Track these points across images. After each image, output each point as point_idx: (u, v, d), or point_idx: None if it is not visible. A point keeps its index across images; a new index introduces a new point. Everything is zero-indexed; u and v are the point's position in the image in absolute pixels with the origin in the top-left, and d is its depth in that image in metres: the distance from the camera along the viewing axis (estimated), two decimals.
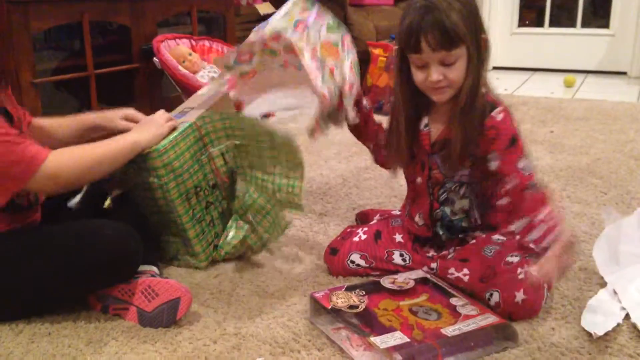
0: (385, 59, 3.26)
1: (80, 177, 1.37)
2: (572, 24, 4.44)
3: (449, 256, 1.45)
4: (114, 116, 1.58)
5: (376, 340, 1.17)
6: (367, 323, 1.23)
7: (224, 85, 1.62)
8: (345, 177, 2.28)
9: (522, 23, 4.61)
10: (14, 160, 1.24)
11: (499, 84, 3.80)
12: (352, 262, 1.48)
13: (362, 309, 1.27)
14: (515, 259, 1.37)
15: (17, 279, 1.30)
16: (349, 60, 1.52)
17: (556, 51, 4.43)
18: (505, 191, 1.33)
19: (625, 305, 1.34)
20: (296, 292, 1.47)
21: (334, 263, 1.51)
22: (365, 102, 1.55)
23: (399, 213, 1.63)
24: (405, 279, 1.38)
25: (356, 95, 1.51)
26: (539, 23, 4.56)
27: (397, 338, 1.17)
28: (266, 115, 3.09)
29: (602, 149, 2.54)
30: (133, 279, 1.36)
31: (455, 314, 1.26)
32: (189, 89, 2.41)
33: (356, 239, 1.52)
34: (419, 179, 1.47)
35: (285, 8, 1.48)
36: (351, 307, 1.28)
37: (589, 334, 1.25)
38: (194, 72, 2.50)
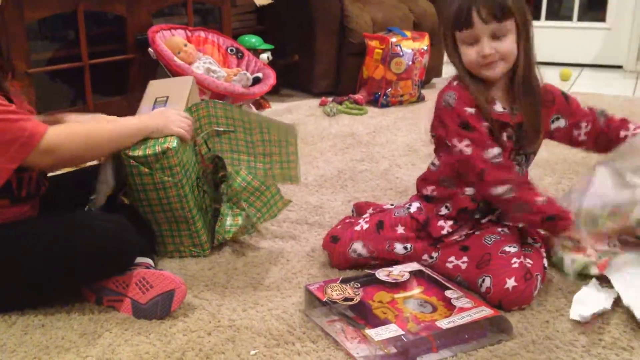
0: (381, 51, 3.26)
1: (78, 153, 1.36)
2: (569, 18, 4.44)
3: (459, 239, 1.44)
4: None
5: (371, 332, 1.17)
6: (362, 315, 1.23)
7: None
8: (341, 170, 2.27)
9: None
10: (12, 137, 1.24)
11: None
12: (354, 251, 1.48)
13: (357, 302, 1.27)
14: (513, 249, 1.38)
15: (11, 271, 1.30)
16: None
17: (552, 44, 4.43)
18: (587, 133, 1.52)
19: (617, 288, 1.35)
20: (291, 284, 1.46)
21: (335, 251, 1.51)
22: None
23: (391, 207, 1.64)
24: (401, 271, 1.38)
25: None
26: (536, 16, 4.55)
27: (391, 331, 1.17)
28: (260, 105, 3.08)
29: None
30: (128, 271, 1.36)
31: (450, 307, 1.26)
32: None
33: (358, 228, 1.52)
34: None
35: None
36: (346, 299, 1.28)
37: (583, 327, 1.26)
38: (189, 63, 2.48)
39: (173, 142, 1.44)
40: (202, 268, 1.54)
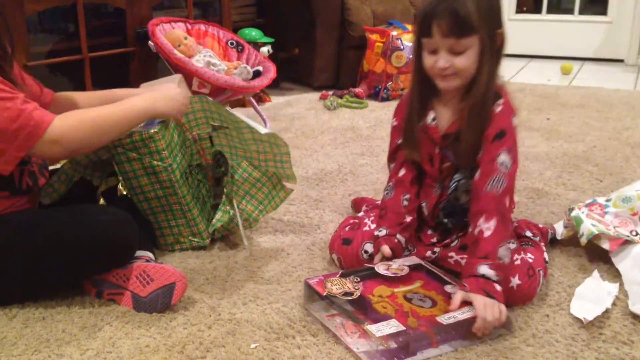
0: (382, 44, 3.25)
1: (87, 141, 1.34)
2: (570, 11, 4.43)
3: (452, 244, 1.45)
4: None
5: (371, 328, 1.16)
6: (362, 310, 1.23)
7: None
8: (341, 163, 2.27)
9: (519, 9, 4.58)
10: (19, 125, 1.23)
11: None
12: (366, 252, 1.47)
13: (357, 296, 1.27)
14: (512, 246, 1.37)
15: (11, 263, 1.30)
16: None
17: (553, 38, 4.42)
18: (475, 182, 1.33)
19: (622, 271, 1.39)
20: (291, 278, 1.46)
21: (347, 253, 1.48)
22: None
23: None
24: (400, 265, 1.38)
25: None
26: (537, 9, 4.54)
27: (392, 326, 1.17)
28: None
29: (598, 136, 2.54)
30: (128, 264, 1.36)
31: (450, 301, 1.26)
32: (185, 73, 2.39)
33: (366, 228, 1.51)
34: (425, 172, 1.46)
35: None
36: (346, 294, 1.27)
37: (582, 321, 1.26)
38: (190, 56, 2.47)
39: (154, 129, 1.46)
40: (203, 262, 1.54)
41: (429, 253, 1.45)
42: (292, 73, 3.61)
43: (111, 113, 1.37)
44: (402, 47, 3.20)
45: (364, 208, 1.71)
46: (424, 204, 1.47)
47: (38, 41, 2.45)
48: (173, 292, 1.32)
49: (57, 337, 1.24)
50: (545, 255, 1.45)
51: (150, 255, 1.45)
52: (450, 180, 1.42)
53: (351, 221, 1.59)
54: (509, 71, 3.98)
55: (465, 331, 1.20)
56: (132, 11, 2.58)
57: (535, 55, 4.45)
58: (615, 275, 1.44)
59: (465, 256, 1.40)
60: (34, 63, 2.28)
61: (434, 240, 1.48)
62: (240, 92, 2.49)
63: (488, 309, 1.19)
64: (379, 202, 1.66)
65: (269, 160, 1.64)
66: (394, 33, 3.22)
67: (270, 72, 2.61)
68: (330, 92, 3.28)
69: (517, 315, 1.29)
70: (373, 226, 1.50)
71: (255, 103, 2.81)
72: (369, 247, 1.47)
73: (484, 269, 1.23)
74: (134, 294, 1.33)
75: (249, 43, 2.84)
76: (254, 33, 3.08)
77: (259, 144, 1.62)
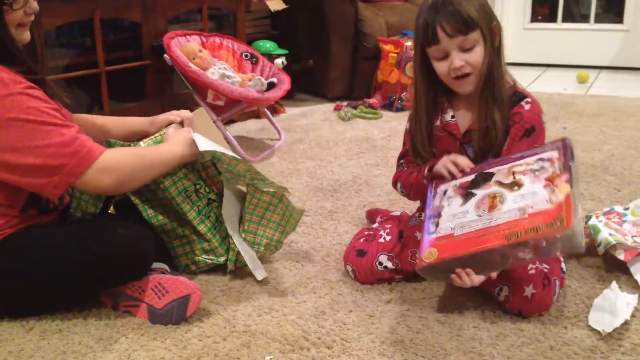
0: (396, 55, 3.25)
1: (135, 175, 1.36)
2: (586, 19, 4.40)
3: None
4: (162, 124, 1.59)
5: None
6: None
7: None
8: (356, 174, 2.27)
9: (534, 18, 4.57)
10: (73, 150, 1.25)
11: None
12: (380, 263, 1.47)
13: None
14: (528, 256, 1.36)
15: (30, 276, 1.31)
16: None
17: (569, 47, 4.39)
18: None
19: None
20: (306, 290, 1.46)
21: (362, 265, 1.48)
22: None
23: (398, 214, 1.63)
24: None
25: None
26: (552, 18, 4.52)
27: None
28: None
29: (615, 145, 2.51)
30: (144, 276, 1.36)
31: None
32: (200, 86, 2.41)
33: (381, 240, 1.51)
34: None
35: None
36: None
37: (600, 333, 1.24)
38: (205, 69, 2.49)
39: None
40: (217, 273, 1.54)
41: None
42: (307, 84, 3.62)
43: (157, 152, 1.43)
44: None
45: (378, 219, 1.71)
46: None
47: (55, 55, 2.48)
48: (188, 304, 1.32)
49: (73, 350, 1.24)
50: (563, 265, 1.44)
51: (166, 267, 1.46)
52: None
53: (366, 233, 1.59)
54: (524, 80, 3.96)
55: None
56: (148, 25, 2.61)
57: (551, 64, 4.43)
58: (633, 286, 1.42)
59: None
60: (52, 77, 2.29)
61: None
62: (254, 104, 2.50)
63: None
64: (393, 213, 1.66)
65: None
66: (408, 43, 3.23)
67: (285, 83, 2.62)
68: (345, 103, 3.29)
69: (535, 327, 1.28)
70: (388, 238, 1.50)
71: (269, 115, 2.82)
72: (383, 258, 1.46)
73: None
74: (149, 306, 1.34)
75: (264, 55, 2.85)
76: (268, 45, 3.10)
77: (259, 181, 1.57)
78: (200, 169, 1.56)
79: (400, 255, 1.47)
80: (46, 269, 1.30)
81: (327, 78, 3.48)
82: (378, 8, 3.54)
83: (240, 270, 1.55)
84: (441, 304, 1.39)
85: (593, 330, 1.26)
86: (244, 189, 1.59)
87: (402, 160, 1.54)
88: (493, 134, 1.35)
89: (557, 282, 1.35)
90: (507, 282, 1.32)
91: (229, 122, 2.93)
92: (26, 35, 1.30)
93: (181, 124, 1.58)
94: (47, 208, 1.39)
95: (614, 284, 1.40)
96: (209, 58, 2.57)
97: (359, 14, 3.37)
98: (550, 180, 1.21)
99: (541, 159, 1.26)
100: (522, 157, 1.29)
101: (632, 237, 1.50)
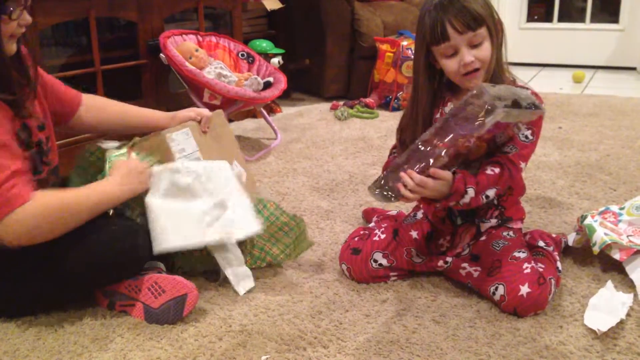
0: (392, 54, 3.25)
1: (49, 232, 1.24)
2: (581, 19, 4.41)
3: (463, 252, 1.44)
4: (182, 120, 1.59)
5: None
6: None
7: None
8: (352, 174, 2.27)
9: (530, 18, 4.57)
10: None
11: None
12: (375, 261, 1.47)
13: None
14: (522, 255, 1.37)
15: (24, 275, 1.30)
16: None
17: (565, 46, 4.40)
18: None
19: (637, 283, 1.39)
20: (302, 289, 1.46)
21: (356, 263, 1.48)
22: None
23: (394, 213, 1.63)
24: None
25: None
26: (548, 18, 4.53)
27: None
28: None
29: (611, 144, 2.52)
30: (140, 275, 1.36)
31: None
32: (196, 85, 2.41)
33: (376, 238, 1.51)
34: None
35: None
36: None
37: (595, 332, 1.24)
38: (201, 68, 2.48)
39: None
40: (214, 273, 1.54)
41: (440, 262, 1.45)
42: (303, 84, 3.62)
43: (86, 200, 1.30)
44: (412, 56, 3.20)
45: (374, 219, 1.71)
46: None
47: (51, 54, 2.47)
48: (184, 304, 1.32)
49: (68, 349, 1.24)
50: (559, 264, 1.44)
51: (162, 266, 1.45)
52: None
53: (361, 232, 1.59)
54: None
55: None
56: (144, 24, 2.60)
57: (546, 64, 4.43)
58: (629, 285, 1.43)
59: (478, 268, 1.40)
60: None
61: (444, 249, 1.47)
62: (251, 103, 2.50)
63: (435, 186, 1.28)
64: (390, 213, 1.66)
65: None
66: (405, 43, 3.23)
67: (281, 83, 2.61)
68: (341, 103, 3.29)
69: (530, 327, 1.28)
70: (383, 236, 1.50)
71: (266, 114, 2.82)
72: (378, 256, 1.46)
73: (469, 190, 1.31)
74: (145, 305, 1.34)
75: (260, 54, 2.85)
76: (265, 44, 3.09)
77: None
78: None
79: (395, 252, 1.48)
80: (37, 266, 1.29)
81: (323, 77, 3.48)
82: (374, 7, 3.54)
83: None
84: (437, 303, 1.39)
85: (589, 329, 1.27)
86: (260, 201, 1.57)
87: (394, 150, 1.56)
88: None
89: (553, 281, 1.36)
90: (503, 282, 1.33)
91: None
92: (14, 47, 1.28)
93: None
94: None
95: (609, 283, 1.41)
96: (205, 57, 2.56)
97: (355, 14, 3.37)
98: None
99: None
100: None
101: (628, 236, 1.50)
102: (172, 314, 1.32)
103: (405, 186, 1.28)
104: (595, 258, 1.53)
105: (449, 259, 1.45)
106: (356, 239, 1.55)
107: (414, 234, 1.50)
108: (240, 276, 1.47)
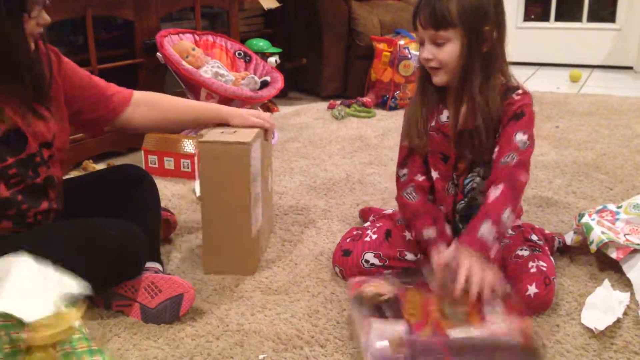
0: (389, 53, 3.25)
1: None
2: (578, 19, 4.42)
3: None
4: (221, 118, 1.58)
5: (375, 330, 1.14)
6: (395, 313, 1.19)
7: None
8: (349, 173, 2.27)
9: (527, 17, 4.58)
10: None
11: None
12: (367, 261, 1.47)
13: (389, 298, 1.23)
14: (525, 253, 1.37)
15: None
16: None
17: (562, 46, 4.41)
18: (493, 159, 1.34)
19: (634, 282, 1.39)
20: (299, 288, 1.46)
21: (347, 264, 1.48)
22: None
23: (390, 212, 1.63)
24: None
25: None
26: (545, 17, 4.54)
27: (398, 330, 1.14)
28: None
29: (607, 144, 2.52)
30: (136, 276, 1.36)
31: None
32: (193, 84, 2.40)
33: (367, 239, 1.51)
34: (435, 174, 1.46)
35: None
36: (378, 295, 1.24)
37: (592, 330, 1.25)
38: (198, 67, 2.48)
39: None
40: (211, 273, 1.54)
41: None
42: (300, 83, 3.62)
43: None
44: (409, 56, 3.20)
45: (370, 218, 1.70)
46: (441, 208, 1.47)
47: None
48: (181, 303, 1.32)
49: None
50: (552, 259, 1.44)
51: (159, 266, 1.45)
52: (465, 178, 1.43)
53: (354, 232, 1.59)
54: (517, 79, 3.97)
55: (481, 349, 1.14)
56: (141, 23, 2.60)
57: (543, 63, 4.44)
58: (626, 284, 1.43)
59: None
60: None
61: None
62: (248, 103, 2.50)
63: (475, 265, 1.17)
64: (386, 212, 1.66)
65: None
66: (401, 42, 3.23)
67: (278, 82, 2.61)
68: (338, 102, 3.29)
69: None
70: (375, 237, 1.50)
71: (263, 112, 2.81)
72: (369, 256, 1.46)
73: (483, 228, 1.22)
74: (142, 305, 1.33)
75: (257, 53, 2.85)
76: (262, 43, 3.09)
77: None
78: None
79: (387, 253, 1.47)
80: None
81: (320, 76, 3.48)
82: (371, 6, 3.54)
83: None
84: None
85: (585, 328, 1.27)
86: None
87: (403, 170, 1.48)
88: (477, 135, 1.35)
89: (555, 282, 1.35)
90: (509, 281, 1.32)
91: None
92: (32, 46, 1.28)
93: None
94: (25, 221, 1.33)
95: (606, 282, 1.41)
96: (202, 56, 2.56)
97: (352, 13, 3.37)
98: None
99: None
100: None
101: (625, 235, 1.50)
102: (169, 313, 1.32)
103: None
104: (592, 257, 1.54)
105: None
106: (348, 240, 1.55)
107: (408, 235, 1.50)
108: None
